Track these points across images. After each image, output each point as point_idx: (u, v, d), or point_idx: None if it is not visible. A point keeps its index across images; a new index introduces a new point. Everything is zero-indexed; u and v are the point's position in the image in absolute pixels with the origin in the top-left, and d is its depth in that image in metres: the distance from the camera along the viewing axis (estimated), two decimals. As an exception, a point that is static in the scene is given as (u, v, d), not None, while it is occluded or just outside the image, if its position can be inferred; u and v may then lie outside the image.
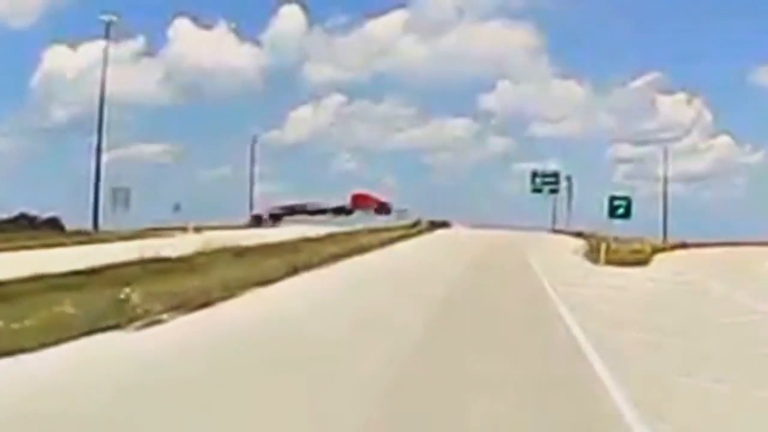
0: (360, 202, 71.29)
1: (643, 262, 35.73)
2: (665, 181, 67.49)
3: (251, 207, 71.56)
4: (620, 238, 43.63)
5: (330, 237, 38.64)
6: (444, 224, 74.12)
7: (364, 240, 40.11)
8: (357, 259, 31.40)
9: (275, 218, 70.16)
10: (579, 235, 59.26)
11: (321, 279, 23.29)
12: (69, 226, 48.44)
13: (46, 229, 45.61)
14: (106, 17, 55.17)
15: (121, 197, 52.61)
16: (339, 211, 71.34)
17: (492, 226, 68.03)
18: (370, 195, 71.67)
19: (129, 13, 76.01)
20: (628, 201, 45.25)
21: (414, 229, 64.98)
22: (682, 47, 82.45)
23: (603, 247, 35.45)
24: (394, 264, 31.79)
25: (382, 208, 72.82)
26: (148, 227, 46.90)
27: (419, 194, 78.90)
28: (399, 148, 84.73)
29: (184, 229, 46.72)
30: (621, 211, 44.60)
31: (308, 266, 24.66)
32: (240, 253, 25.43)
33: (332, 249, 31.38)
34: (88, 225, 49.89)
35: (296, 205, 73.68)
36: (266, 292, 18.92)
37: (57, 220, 50.40)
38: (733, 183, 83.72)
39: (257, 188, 74.23)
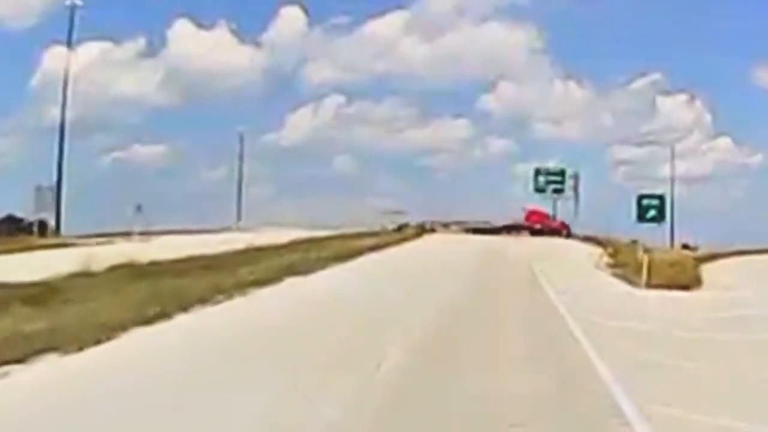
0: (535, 219, 66.96)
1: (690, 282, 26.47)
2: (672, 182, 62.49)
3: (239, 209, 70.35)
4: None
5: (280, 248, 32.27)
6: (434, 230, 70.16)
7: (336, 248, 34.56)
8: (293, 285, 22.38)
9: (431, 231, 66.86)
10: (587, 239, 55.85)
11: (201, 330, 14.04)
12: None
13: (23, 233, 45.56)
14: (69, 1, 53.70)
15: (45, 198, 48.45)
16: (512, 228, 66.02)
17: (491, 230, 65.35)
18: (546, 213, 68.95)
19: (130, 15, 79.54)
20: (662, 201, 36.58)
21: (397, 236, 57.94)
22: (682, 48, 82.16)
23: (644, 259, 26.14)
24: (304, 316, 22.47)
25: (562, 228, 67.79)
26: (100, 232, 44.81)
27: (418, 196, 78.15)
28: (398, 150, 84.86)
29: (128, 235, 43.51)
30: (653, 213, 35.89)
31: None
32: (146, 273, 19.67)
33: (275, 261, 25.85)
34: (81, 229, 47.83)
35: (461, 221, 70.98)
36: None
37: (45, 223, 49.60)
38: (733, 184, 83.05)
39: (253, 191, 74.67)
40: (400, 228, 65.08)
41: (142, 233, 44.00)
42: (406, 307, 17.65)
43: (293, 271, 24.11)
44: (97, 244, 35.66)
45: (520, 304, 19.74)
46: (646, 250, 27.29)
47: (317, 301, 18.59)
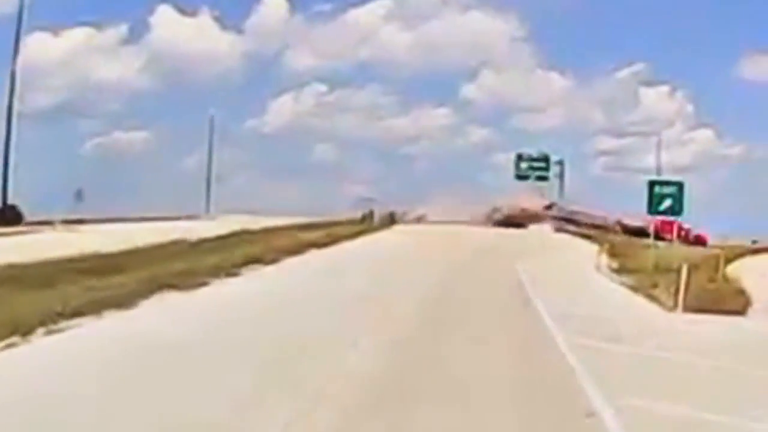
0: (666, 228, 60.64)
1: (738, 302, 19.00)
2: (658, 173, 57.10)
3: (208, 197, 68.68)
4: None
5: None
6: (402, 217, 68.13)
7: (273, 244, 30.18)
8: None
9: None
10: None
11: None
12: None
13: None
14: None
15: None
16: (638, 232, 60.40)
17: (469, 221, 63.46)
18: (682, 225, 61.42)
19: (113, 1, 79.18)
20: (680, 189, 29.10)
21: (359, 227, 52.17)
22: (666, 39, 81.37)
23: (683, 273, 18.49)
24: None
25: (697, 241, 62.40)
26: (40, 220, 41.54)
27: (398, 184, 79.39)
28: (379, 138, 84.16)
29: (51, 224, 39.44)
30: (668, 203, 28.57)
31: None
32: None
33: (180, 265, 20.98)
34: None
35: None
36: None
37: (15, 208, 46.90)
38: (713, 176, 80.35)
39: (234, 177, 74.76)
40: (363, 219, 61.12)
41: (66, 222, 40.00)
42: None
43: (173, 284, 17.58)
44: (19, 233, 33.03)
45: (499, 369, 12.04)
46: (686, 264, 19.76)
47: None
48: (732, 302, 18.46)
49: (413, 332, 13.43)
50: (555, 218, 68.88)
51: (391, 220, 63.29)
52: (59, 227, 38.38)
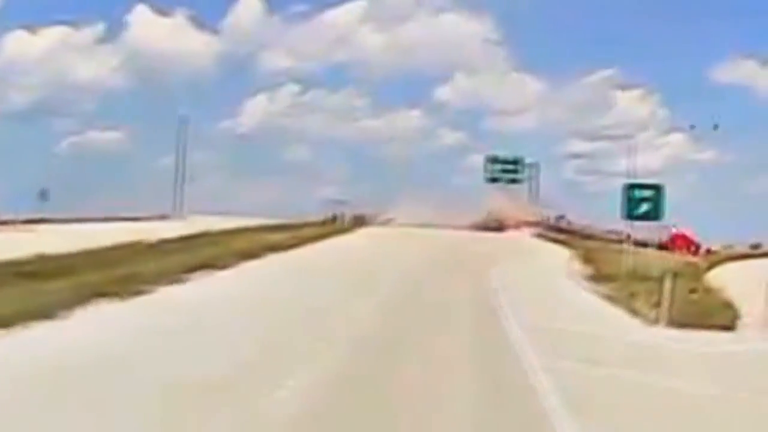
0: (679, 243, 61.35)
1: (725, 315, 17.34)
2: (631, 177, 55.61)
3: (180, 196, 67.95)
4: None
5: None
6: (370, 219, 67.25)
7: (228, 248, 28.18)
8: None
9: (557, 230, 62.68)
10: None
11: None
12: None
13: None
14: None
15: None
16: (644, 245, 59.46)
17: (439, 225, 60.98)
18: (693, 239, 62.22)
19: (91, 0, 77.92)
20: (658, 192, 27.54)
21: (326, 229, 49.99)
22: (639, 44, 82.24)
23: (666, 285, 16.83)
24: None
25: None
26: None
27: (370, 186, 78.58)
28: (352, 139, 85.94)
29: (13, 224, 38.56)
30: (645, 208, 27.03)
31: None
32: None
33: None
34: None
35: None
36: None
37: None
38: (686, 180, 79.65)
39: (207, 177, 74.67)
40: (324, 222, 58.94)
41: (27, 222, 39.65)
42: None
43: (114, 291, 15.87)
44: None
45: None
46: (670, 273, 18.08)
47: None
48: (718, 316, 16.75)
49: (359, 364, 11.14)
50: (532, 224, 67.51)
51: (359, 222, 61.99)
52: (19, 227, 37.12)
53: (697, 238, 59.81)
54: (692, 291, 20.89)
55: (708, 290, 21.38)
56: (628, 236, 29.50)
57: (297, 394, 8.73)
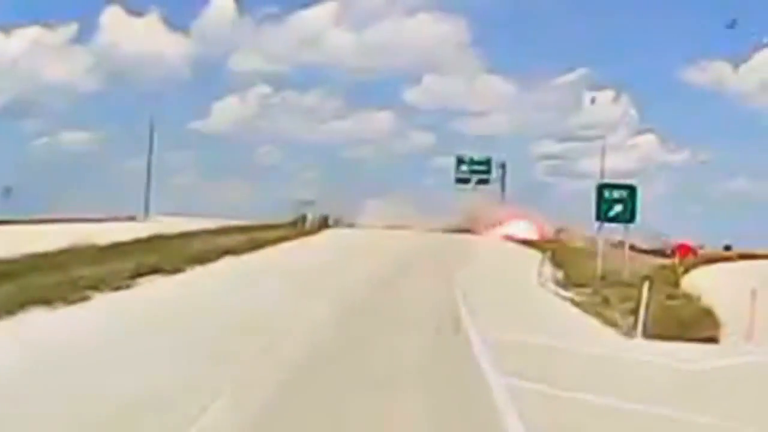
0: (682, 252, 58.53)
1: (708, 325, 15.89)
2: (602, 178, 55.85)
3: (147, 197, 66.75)
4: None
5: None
6: (337, 221, 65.92)
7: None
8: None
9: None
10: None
11: None
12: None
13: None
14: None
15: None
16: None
17: (407, 226, 60.45)
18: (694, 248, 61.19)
19: (63, 0, 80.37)
20: (632, 193, 26.27)
21: (288, 231, 48.05)
22: (610, 45, 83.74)
23: (643, 292, 15.33)
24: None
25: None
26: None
27: (339, 187, 77.60)
28: (321, 141, 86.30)
29: None
30: (618, 210, 25.79)
31: None
32: None
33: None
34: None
35: None
36: None
37: None
38: (657, 181, 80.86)
39: (177, 179, 76.31)
40: (296, 221, 57.99)
41: None
42: None
43: (47, 297, 14.32)
44: None
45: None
46: (647, 278, 16.56)
47: None
48: (700, 326, 15.36)
49: (293, 391, 9.43)
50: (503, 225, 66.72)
51: (323, 223, 60.59)
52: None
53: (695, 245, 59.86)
54: (670, 297, 19.56)
55: (686, 296, 20.02)
56: (622, 242, 28.35)
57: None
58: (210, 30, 79.02)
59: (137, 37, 76.55)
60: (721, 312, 17.36)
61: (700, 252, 52.15)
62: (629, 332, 14.96)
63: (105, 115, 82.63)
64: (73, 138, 79.11)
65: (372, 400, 8.83)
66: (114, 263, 20.94)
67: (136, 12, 76.02)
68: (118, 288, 17.62)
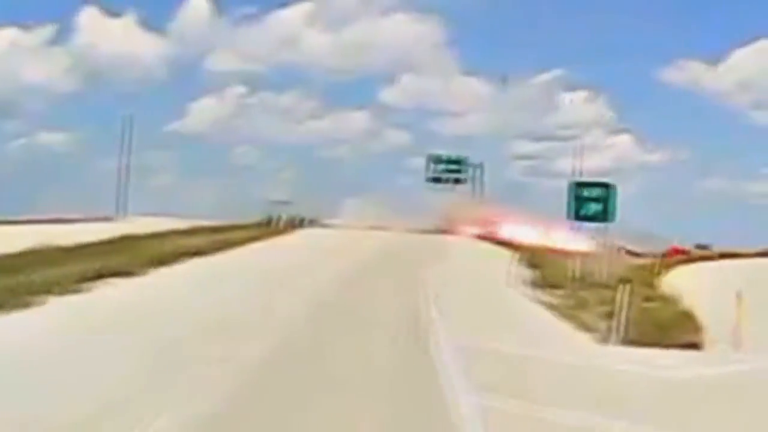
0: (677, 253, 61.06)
1: (690, 330, 15.09)
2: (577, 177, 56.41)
3: (124, 197, 67.40)
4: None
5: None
6: (310, 221, 66.05)
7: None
8: None
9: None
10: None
11: None
12: None
13: None
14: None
15: None
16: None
17: (382, 226, 60.00)
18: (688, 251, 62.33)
19: (41, 1, 79.84)
20: (608, 192, 25.51)
21: (259, 231, 47.34)
22: (587, 45, 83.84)
23: (620, 294, 14.44)
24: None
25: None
26: None
27: (315, 187, 78.29)
28: (298, 141, 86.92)
29: None
30: (595, 208, 25.03)
31: None
32: None
33: None
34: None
35: None
36: None
37: None
38: (633, 180, 79.89)
39: (154, 179, 77.14)
40: (269, 222, 58.76)
41: None
42: None
43: None
44: None
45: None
46: (625, 281, 15.71)
47: None
48: (681, 331, 14.54)
49: (238, 406, 8.55)
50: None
51: (296, 223, 60.72)
52: None
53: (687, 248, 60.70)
54: (647, 299, 18.84)
55: (664, 298, 19.28)
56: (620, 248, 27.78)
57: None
58: (187, 31, 79.52)
59: (115, 38, 77.05)
60: (702, 314, 16.66)
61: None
62: (606, 337, 14.12)
63: (83, 115, 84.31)
64: (50, 139, 79.93)
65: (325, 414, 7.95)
66: (74, 265, 20.52)
67: (114, 13, 76.36)
68: (73, 292, 17.01)
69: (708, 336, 14.73)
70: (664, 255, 54.86)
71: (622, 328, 13.88)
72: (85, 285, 17.91)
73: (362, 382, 9.68)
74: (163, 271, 23.23)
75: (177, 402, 8.14)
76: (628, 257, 35.69)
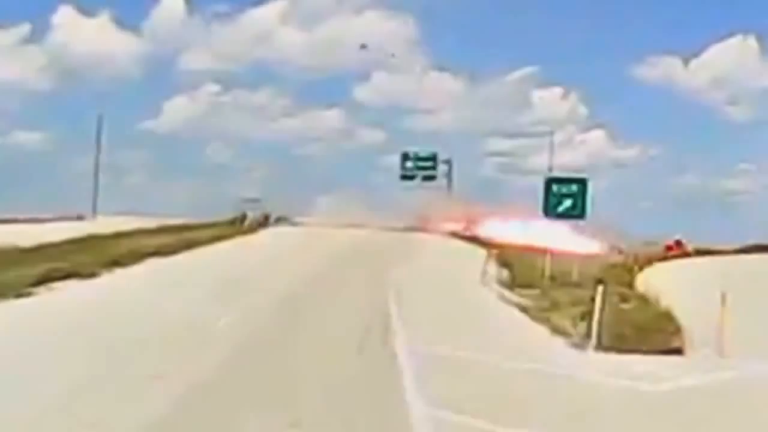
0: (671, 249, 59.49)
1: (671, 333, 14.15)
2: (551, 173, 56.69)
3: (95, 196, 67.17)
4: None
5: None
6: (281, 219, 64.62)
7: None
8: None
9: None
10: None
11: None
12: None
13: None
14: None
15: None
16: None
17: (355, 224, 58.07)
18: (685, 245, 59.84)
19: (16, 0, 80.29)
20: (583, 187, 24.66)
21: (226, 230, 46.56)
22: (560, 42, 79.80)
23: (598, 296, 13.43)
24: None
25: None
26: None
27: (288, 185, 78.44)
28: (271, 138, 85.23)
29: None
30: (568, 204, 24.17)
31: None
32: None
33: None
34: None
35: None
36: None
37: None
38: (607, 176, 78.88)
39: (128, 178, 77.56)
40: (235, 220, 58.15)
41: None
42: None
43: None
44: None
45: None
46: (601, 282, 14.69)
47: None
48: (661, 335, 13.60)
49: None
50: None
51: (263, 222, 59.86)
52: None
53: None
54: (624, 299, 17.90)
55: (642, 298, 18.35)
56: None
57: None
58: (160, 29, 78.88)
59: (89, 37, 76.77)
60: (680, 314, 15.74)
61: (647, 248, 51.40)
62: (581, 343, 13.16)
63: (57, 114, 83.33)
64: (24, 138, 79.15)
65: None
66: (28, 267, 20.14)
67: (88, 12, 76.15)
68: (20, 295, 16.70)
69: (689, 339, 13.76)
70: (667, 247, 54.70)
71: (597, 333, 12.89)
72: (34, 288, 17.60)
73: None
74: (119, 273, 22.70)
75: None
76: (615, 255, 35.20)
